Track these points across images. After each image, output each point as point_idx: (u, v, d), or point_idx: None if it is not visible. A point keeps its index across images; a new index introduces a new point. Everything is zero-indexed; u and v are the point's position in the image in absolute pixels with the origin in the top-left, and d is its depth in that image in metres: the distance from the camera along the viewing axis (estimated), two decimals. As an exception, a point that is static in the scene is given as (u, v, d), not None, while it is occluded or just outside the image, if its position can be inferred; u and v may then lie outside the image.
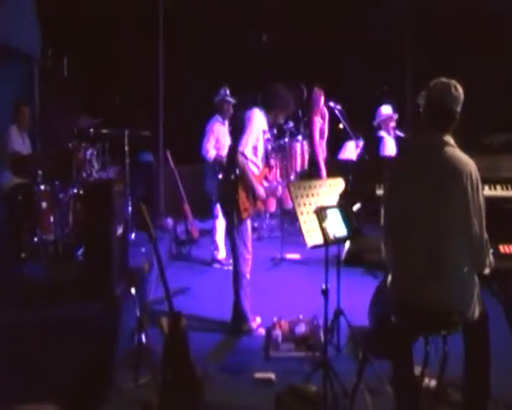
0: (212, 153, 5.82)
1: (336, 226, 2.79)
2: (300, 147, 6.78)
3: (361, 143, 7.06)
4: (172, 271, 5.64)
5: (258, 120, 3.97)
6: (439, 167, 2.33)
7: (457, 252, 2.32)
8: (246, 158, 3.86)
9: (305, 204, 2.86)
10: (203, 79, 7.77)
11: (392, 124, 5.64)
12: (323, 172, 6.44)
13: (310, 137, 6.59)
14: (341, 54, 8.31)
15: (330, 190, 3.00)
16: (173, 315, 2.81)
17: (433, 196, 2.32)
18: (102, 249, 3.81)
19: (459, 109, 2.36)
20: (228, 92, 5.94)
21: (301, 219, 2.82)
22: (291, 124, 7.29)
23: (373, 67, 8.17)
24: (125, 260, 4.22)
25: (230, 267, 5.94)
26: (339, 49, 8.34)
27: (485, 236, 2.37)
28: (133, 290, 4.08)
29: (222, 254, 6.02)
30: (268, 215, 7.16)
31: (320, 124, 6.62)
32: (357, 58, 8.23)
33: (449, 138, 2.37)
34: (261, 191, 3.98)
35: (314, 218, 2.78)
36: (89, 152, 4.98)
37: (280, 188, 4.30)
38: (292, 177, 6.50)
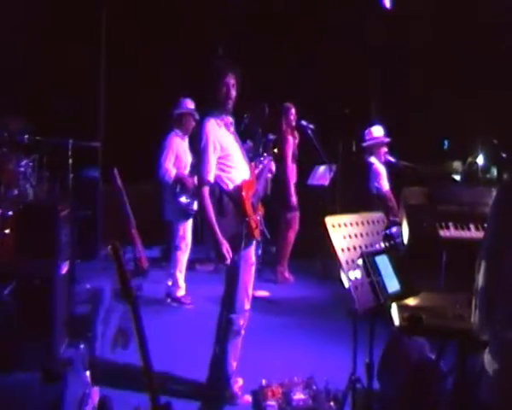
0: (172, 172, 4.96)
1: (387, 279, 2.04)
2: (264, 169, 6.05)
3: (334, 168, 6.46)
4: (121, 313, 4.69)
5: (209, 131, 3.19)
6: None
7: None
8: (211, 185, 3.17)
9: (348, 249, 2.08)
10: (155, 92, 6.97)
11: (384, 149, 4.97)
12: (294, 198, 5.70)
13: (280, 158, 5.83)
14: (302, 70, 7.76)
15: (372, 227, 2.25)
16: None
17: None
18: (41, 294, 2.83)
19: None
20: (192, 106, 5.13)
21: (348, 271, 2.03)
22: (249, 143, 6.60)
23: (337, 87, 7.65)
24: (71, 307, 3.24)
25: (192, 306, 5.15)
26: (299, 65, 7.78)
27: None
28: (82, 346, 3.13)
29: (181, 291, 5.13)
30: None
31: (292, 144, 5.90)
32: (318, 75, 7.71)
33: None
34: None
35: (359, 266, 2.02)
36: (23, 164, 3.93)
37: (273, 164, 3.62)
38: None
